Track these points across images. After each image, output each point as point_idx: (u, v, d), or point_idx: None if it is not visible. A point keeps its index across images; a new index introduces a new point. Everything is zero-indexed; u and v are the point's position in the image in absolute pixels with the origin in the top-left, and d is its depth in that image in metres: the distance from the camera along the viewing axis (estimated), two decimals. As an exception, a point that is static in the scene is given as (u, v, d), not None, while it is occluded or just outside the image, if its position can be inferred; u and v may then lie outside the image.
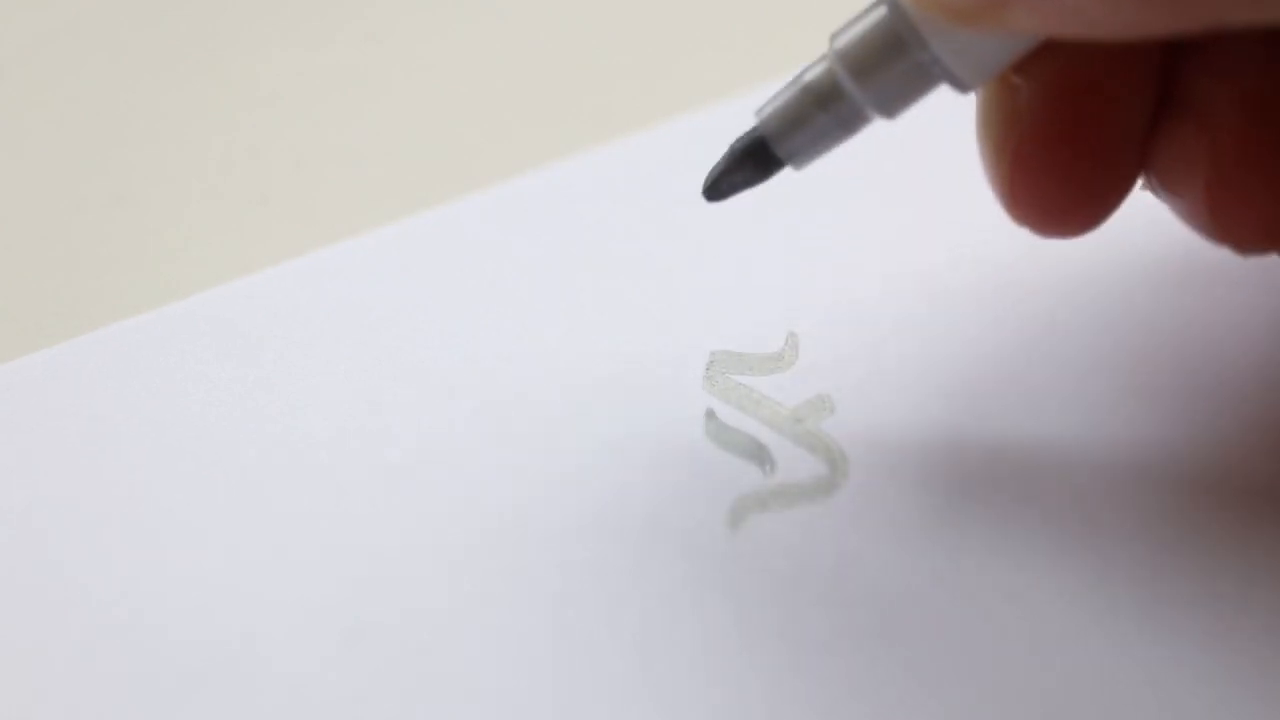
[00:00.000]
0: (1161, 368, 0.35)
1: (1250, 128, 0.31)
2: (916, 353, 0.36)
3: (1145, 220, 0.34)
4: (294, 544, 0.33)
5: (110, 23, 0.51)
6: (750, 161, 0.33)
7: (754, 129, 0.33)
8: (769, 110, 0.32)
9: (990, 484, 0.33)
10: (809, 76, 0.32)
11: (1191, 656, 0.30)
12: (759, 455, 0.34)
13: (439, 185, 0.43)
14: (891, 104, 0.31)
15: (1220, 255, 0.33)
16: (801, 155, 0.32)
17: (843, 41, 0.31)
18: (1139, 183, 0.33)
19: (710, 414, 0.35)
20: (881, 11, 0.31)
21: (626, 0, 0.51)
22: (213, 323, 0.38)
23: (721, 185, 0.33)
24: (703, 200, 0.33)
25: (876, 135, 0.32)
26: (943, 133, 0.36)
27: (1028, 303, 0.36)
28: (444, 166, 0.45)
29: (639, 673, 0.30)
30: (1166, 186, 0.32)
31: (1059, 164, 0.32)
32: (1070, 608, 0.31)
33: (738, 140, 0.33)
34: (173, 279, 0.41)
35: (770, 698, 0.30)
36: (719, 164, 0.33)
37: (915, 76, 0.31)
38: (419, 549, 0.32)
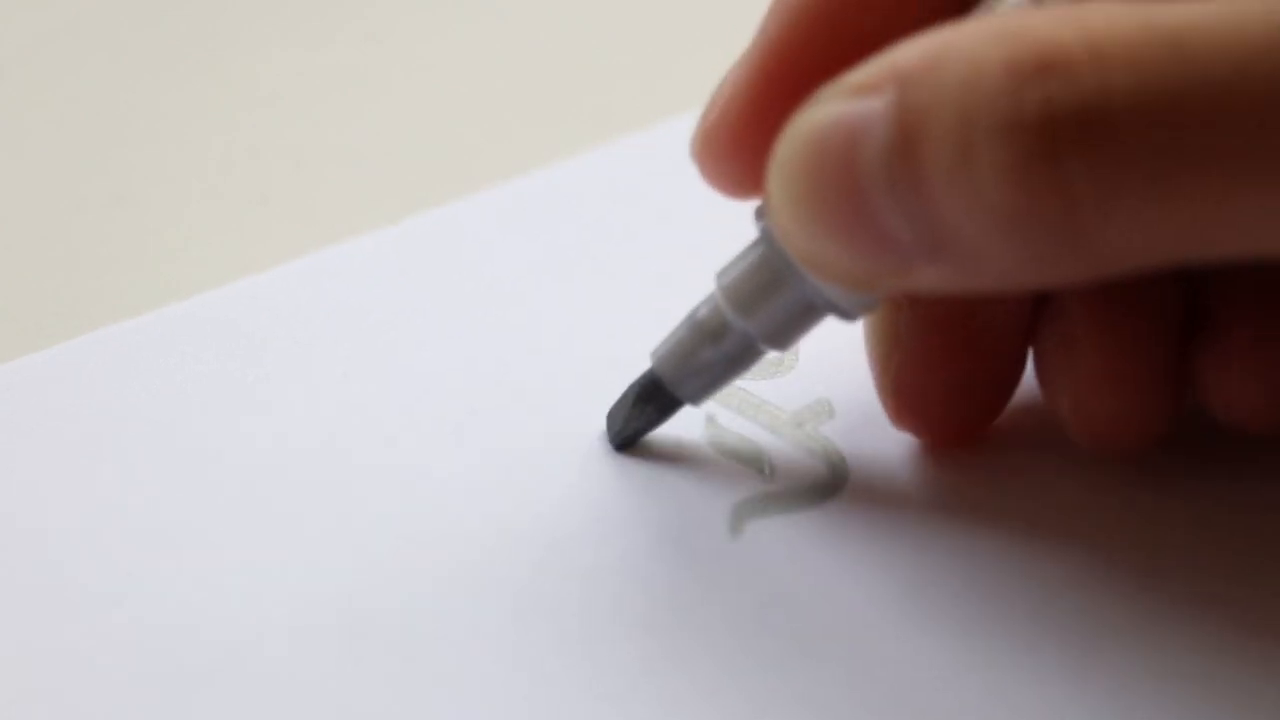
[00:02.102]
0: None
1: (1106, 343, 0.32)
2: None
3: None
4: (294, 544, 0.32)
5: (110, 23, 0.51)
6: (651, 405, 0.34)
7: (649, 370, 0.33)
8: (663, 350, 0.33)
9: (989, 485, 0.33)
10: (699, 314, 0.33)
11: (1193, 657, 0.30)
12: (759, 460, 0.34)
13: (439, 185, 0.43)
14: (780, 337, 0.32)
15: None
16: (699, 393, 0.33)
17: (727, 278, 0.32)
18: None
19: (710, 419, 0.35)
20: (761, 249, 0.31)
21: (626, 2, 0.51)
22: (213, 323, 0.38)
23: (627, 430, 0.34)
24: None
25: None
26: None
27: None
28: (444, 167, 0.45)
29: (638, 677, 0.30)
30: (1044, 394, 0.33)
31: (938, 387, 0.33)
32: (1070, 608, 0.31)
33: (634, 384, 0.34)
34: (173, 279, 0.41)
35: (771, 701, 0.30)
36: (619, 411, 0.34)
37: (800, 310, 0.31)
38: (418, 550, 0.32)
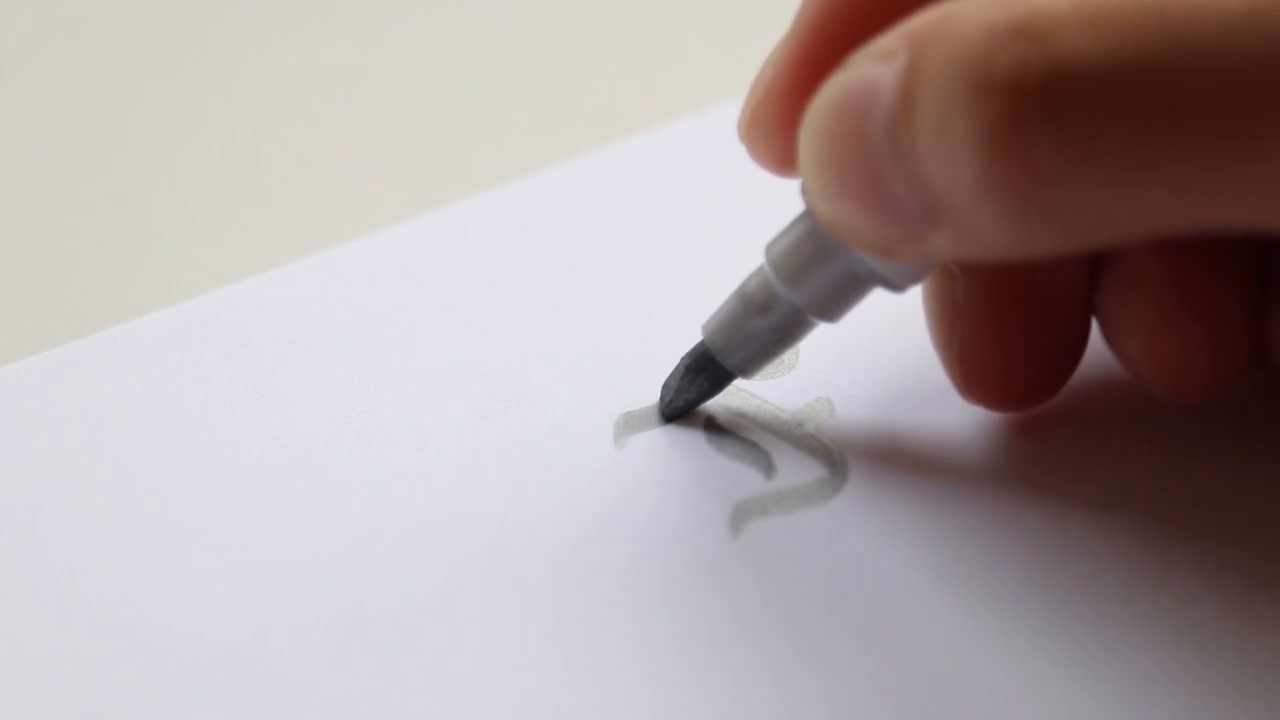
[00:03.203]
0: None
1: (1174, 284, 0.31)
2: (915, 355, 0.36)
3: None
4: (295, 545, 0.33)
5: (110, 23, 0.51)
6: (701, 377, 0.34)
7: (701, 343, 0.33)
8: (714, 322, 0.33)
9: (989, 484, 0.33)
10: (749, 286, 0.33)
11: (1195, 656, 0.30)
12: (759, 460, 0.34)
13: (439, 187, 0.43)
14: (828, 308, 0.32)
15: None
16: (749, 364, 0.33)
17: (775, 250, 0.32)
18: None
19: (710, 419, 0.35)
20: (808, 222, 0.31)
21: (627, 3, 0.51)
22: (214, 325, 0.38)
23: (679, 401, 0.34)
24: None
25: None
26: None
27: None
28: (444, 168, 0.45)
29: (639, 677, 0.30)
30: (1111, 345, 0.33)
31: (1004, 352, 0.33)
32: (1071, 607, 0.31)
33: (687, 355, 0.34)
34: (173, 280, 0.41)
35: (771, 702, 0.30)
36: (671, 383, 0.34)
37: (847, 281, 0.31)
38: (419, 551, 0.32)
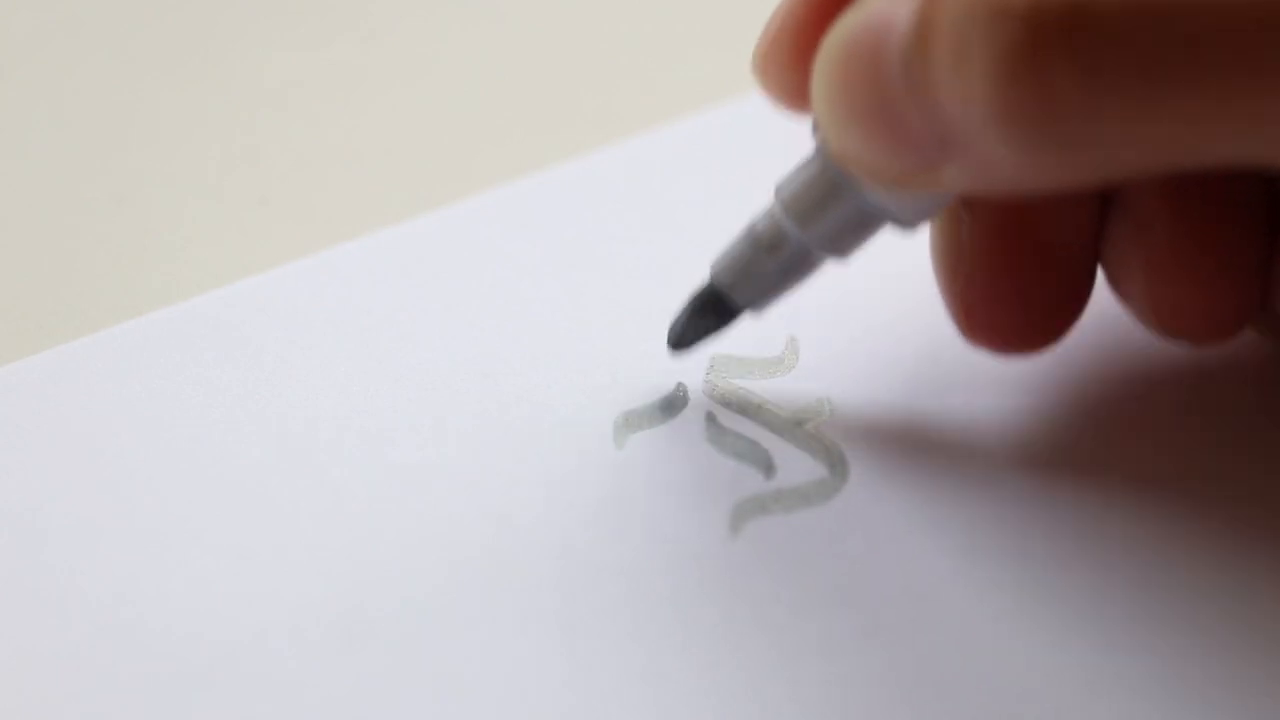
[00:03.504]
0: (1159, 367, 0.35)
1: (1181, 226, 0.31)
2: (916, 354, 0.36)
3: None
4: (295, 545, 0.33)
5: (110, 23, 0.51)
6: (709, 312, 0.34)
7: (708, 280, 0.33)
8: (722, 261, 0.33)
9: (990, 484, 0.33)
10: (758, 225, 0.33)
11: (1192, 658, 0.30)
12: (759, 459, 0.34)
13: (440, 187, 0.43)
14: (839, 246, 0.32)
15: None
16: (757, 301, 0.33)
17: (786, 190, 0.32)
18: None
19: (711, 418, 0.35)
20: (820, 160, 0.31)
21: (627, 2, 0.51)
22: (214, 325, 0.38)
23: (686, 337, 0.34)
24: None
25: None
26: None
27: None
28: (444, 168, 0.45)
29: (639, 678, 0.30)
30: (1115, 288, 0.33)
31: (1008, 294, 0.33)
32: (1072, 607, 0.31)
33: (694, 291, 0.34)
34: (173, 280, 0.41)
35: (771, 701, 0.30)
36: (679, 318, 0.34)
37: (857, 219, 0.31)
38: (419, 551, 0.32)
